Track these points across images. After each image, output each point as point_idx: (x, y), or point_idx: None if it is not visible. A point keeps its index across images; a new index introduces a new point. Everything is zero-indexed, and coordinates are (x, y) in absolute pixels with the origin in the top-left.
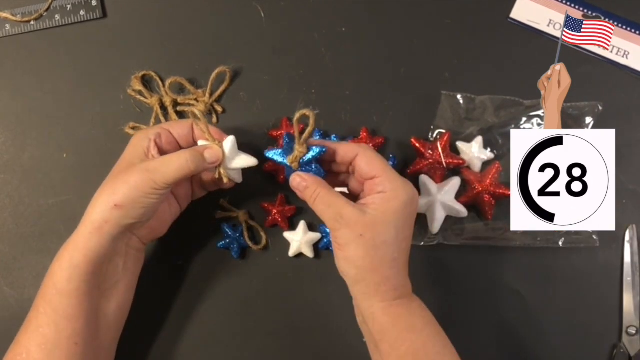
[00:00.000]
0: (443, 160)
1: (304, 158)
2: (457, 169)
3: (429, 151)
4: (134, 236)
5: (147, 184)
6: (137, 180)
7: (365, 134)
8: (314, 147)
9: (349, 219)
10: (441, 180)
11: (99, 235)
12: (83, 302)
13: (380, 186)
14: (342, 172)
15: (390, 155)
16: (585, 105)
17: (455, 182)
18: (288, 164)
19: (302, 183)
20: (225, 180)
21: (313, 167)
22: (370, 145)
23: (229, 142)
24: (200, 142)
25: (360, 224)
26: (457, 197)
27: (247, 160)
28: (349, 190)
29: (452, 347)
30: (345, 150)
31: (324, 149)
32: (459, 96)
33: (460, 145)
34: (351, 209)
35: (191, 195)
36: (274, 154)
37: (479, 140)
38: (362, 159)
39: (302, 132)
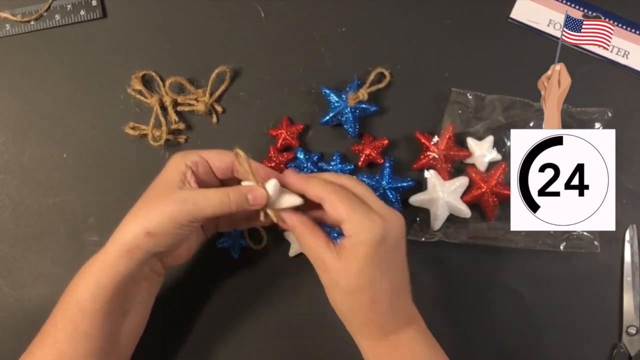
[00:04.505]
0: (447, 152)
1: (359, 104)
2: (463, 167)
3: (433, 145)
4: (158, 261)
5: (183, 216)
6: (173, 211)
7: (368, 139)
8: (369, 105)
9: (326, 266)
10: (448, 177)
11: (129, 259)
12: (105, 322)
13: (346, 231)
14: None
15: (386, 157)
16: (594, 111)
17: (463, 182)
18: (347, 101)
19: (290, 223)
20: (274, 220)
21: (352, 119)
22: (371, 155)
23: (272, 185)
24: (245, 183)
25: (335, 271)
26: (461, 195)
27: (291, 200)
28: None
29: None
30: (313, 194)
31: (377, 109)
32: (468, 94)
33: (471, 142)
34: (329, 255)
35: (216, 227)
36: (333, 93)
37: (490, 139)
38: (327, 205)
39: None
